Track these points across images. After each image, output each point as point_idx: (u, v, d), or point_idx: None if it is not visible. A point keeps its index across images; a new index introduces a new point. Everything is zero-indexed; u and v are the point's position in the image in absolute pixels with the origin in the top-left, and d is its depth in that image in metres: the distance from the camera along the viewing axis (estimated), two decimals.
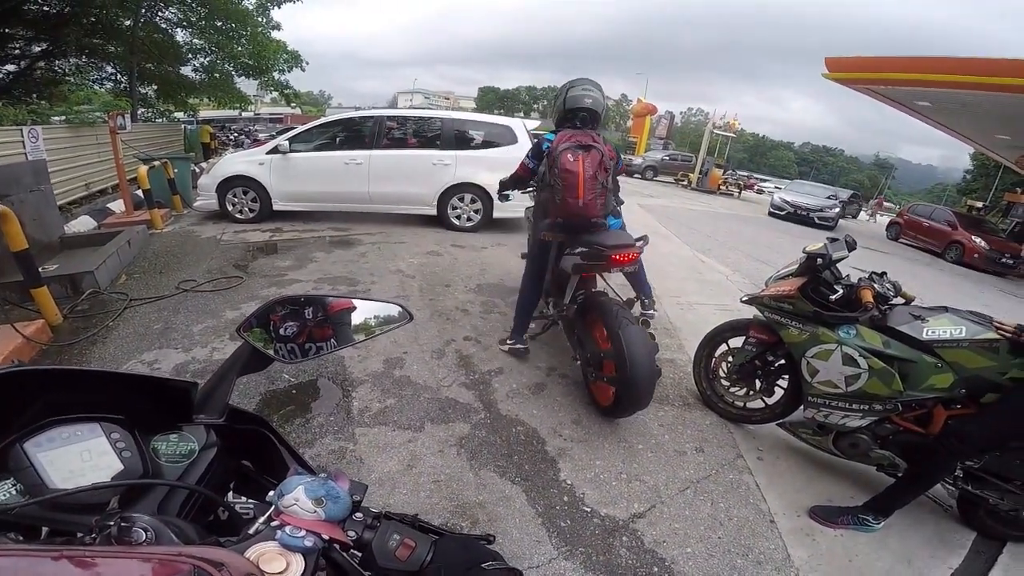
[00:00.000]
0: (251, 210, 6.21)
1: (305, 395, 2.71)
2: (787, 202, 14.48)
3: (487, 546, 0.67)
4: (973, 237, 11.99)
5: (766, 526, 2.15)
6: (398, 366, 3.07)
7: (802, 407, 2.42)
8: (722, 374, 2.88)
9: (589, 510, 2.12)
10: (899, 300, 2.35)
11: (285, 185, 6.13)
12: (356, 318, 0.96)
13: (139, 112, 13.22)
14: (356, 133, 6.43)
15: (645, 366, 2.37)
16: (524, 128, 6.61)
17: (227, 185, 6.10)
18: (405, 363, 3.11)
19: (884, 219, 19.68)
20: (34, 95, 12.16)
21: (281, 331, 0.88)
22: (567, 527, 2.02)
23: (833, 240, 2.39)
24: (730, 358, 2.84)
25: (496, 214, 6.48)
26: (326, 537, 0.56)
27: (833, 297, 2.31)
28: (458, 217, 6.52)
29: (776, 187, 18.42)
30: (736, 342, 2.83)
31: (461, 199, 6.44)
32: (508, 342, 3.29)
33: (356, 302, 0.97)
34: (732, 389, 2.85)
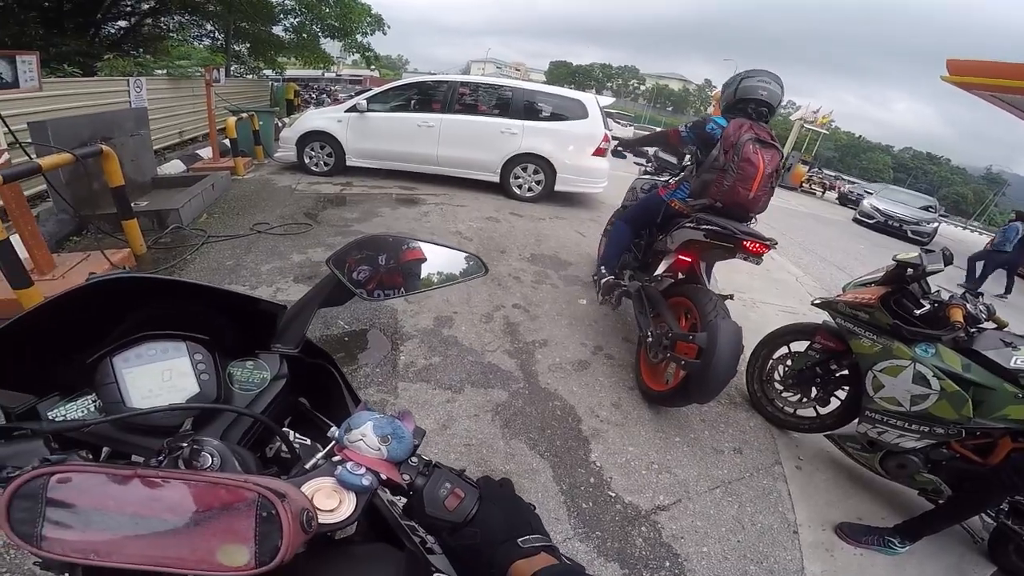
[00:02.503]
0: (326, 164, 6.48)
1: (356, 344, 2.84)
2: (878, 210, 13.20)
3: (531, 511, 0.64)
4: None
5: (788, 536, 2.08)
6: (447, 325, 3.14)
7: (856, 421, 2.27)
8: (777, 377, 2.75)
9: (613, 495, 2.10)
10: (990, 324, 2.15)
11: (359, 142, 6.35)
12: (430, 266, 0.93)
13: (232, 68, 13.98)
14: (430, 97, 6.52)
15: (729, 362, 2.27)
16: (596, 103, 6.43)
17: (306, 139, 6.39)
18: (454, 323, 3.18)
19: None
20: (140, 49, 13.10)
21: (354, 274, 0.88)
22: (588, 509, 2.01)
23: (928, 251, 2.17)
24: (789, 362, 2.70)
25: (558, 187, 6.43)
26: (384, 476, 0.56)
27: (918, 312, 2.13)
28: (519, 186, 6.51)
29: (866, 191, 16.80)
30: (798, 346, 2.68)
31: (524, 169, 6.42)
32: (594, 277, 3.30)
33: (435, 248, 0.94)
34: (785, 394, 2.72)
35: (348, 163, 6.43)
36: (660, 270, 2.84)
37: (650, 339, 2.70)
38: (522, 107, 6.38)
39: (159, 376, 0.67)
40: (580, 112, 6.31)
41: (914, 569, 2.04)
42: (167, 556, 0.39)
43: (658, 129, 3.19)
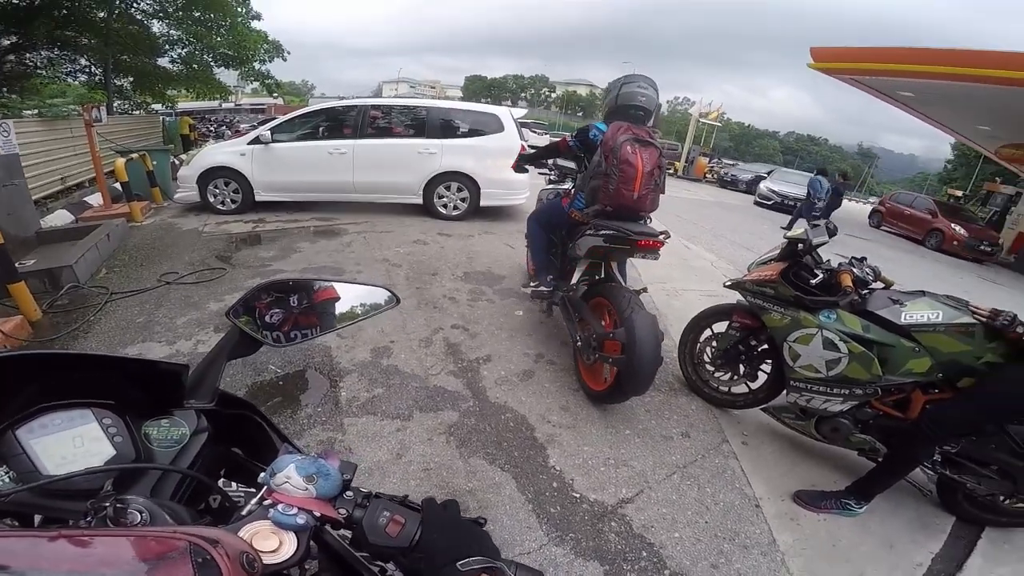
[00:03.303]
0: (233, 201, 6.12)
1: (293, 386, 2.70)
2: (774, 191, 14.55)
3: (479, 528, 0.65)
4: (953, 225, 12.24)
5: (752, 511, 2.18)
6: (386, 355, 3.06)
7: (785, 392, 2.44)
8: (707, 359, 2.91)
9: (578, 496, 2.14)
10: (879, 285, 2.38)
11: (268, 175, 6.04)
12: (343, 303, 0.95)
13: (115, 104, 12.92)
14: (340, 122, 6.34)
15: (651, 351, 2.38)
16: (511, 116, 6.59)
17: (208, 176, 5.99)
18: (393, 352, 3.11)
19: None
20: (3, 89, 11.77)
21: (267, 318, 0.88)
22: (557, 513, 2.04)
23: (814, 226, 2.41)
24: (714, 343, 2.87)
25: (483, 202, 6.47)
26: (318, 514, 0.56)
27: (813, 282, 2.32)
28: (444, 206, 6.49)
29: (760, 174, 18.45)
30: (720, 327, 2.85)
31: (448, 188, 6.42)
32: (531, 284, 3.29)
33: (343, 287, 0.96)
34: (716, 374, 2.88)
35: (257, 198, 6.10)
36: (575, 278, 2.96)
37: (579, 343, 2.80)
38: (438, 125, 6.38)
39: (71, 443, 0.66)
40: (496, 126, 6.42)
41: (878, 527, 2.16)
42: None
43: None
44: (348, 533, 0.62)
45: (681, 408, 2.85)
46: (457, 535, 0.62)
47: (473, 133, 6.43)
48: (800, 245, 2.38)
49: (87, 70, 13.85)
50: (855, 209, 22.19)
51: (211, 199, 6.06)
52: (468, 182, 6.37)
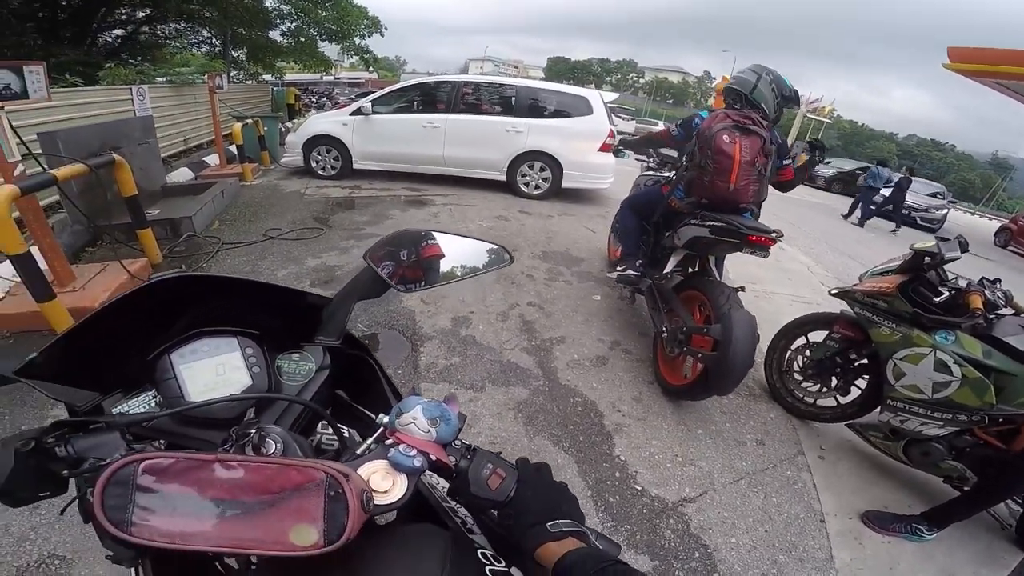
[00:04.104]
0: (333, 168, 6.52)
1: (375, 346, 2.86)
2: (886, 198, 13.19)
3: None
4: None
5: (815, 525, 2.09)
6: (465, 325, 3.16)
7: (877, 409, 2.29)
8: (796, 368, 2.76)
9: (640, 489, 2.12)
10: (1009, 310, 2.15)
11: (366, 145, 6.38)
12: (455, 258, 0.95)
13: (231, 74, 14.02)
14: (434, 97, 6.52)
15: (746, 351, 2.27)
16: (601, 99, 6.43)
17: (312, 143, 6.43)
18: (471, 323, 3.20)
19: None
20: (139, 57, 13.12)
21: (379, 269, 0.88)
22: (615, 503, 2.03)
23: (945, 239, 2.18)
24: (807, 352, 2.70)
25: (565, 184, 6.43)
26: (433, 458, 0.58)
27: (937, 299, 2.13)
28: (527, 184, 6.53)
29: (845, 171, 16.58)
30: (816, 336, 2.69)
31: (531, 167, 6.43)
32: (618, 268, 3.23)
33: (459, 240, 0.96)
34: (804, 384, 2.72)
35: (355, 166, 6.47)
36: (669, 267, 2.86)
37: (665, 334, 2.72)
38: (526, 105, 6.39)
39: (213, 371, 0.70)
40: (585, 108, 6.30)
41: (943, 556, 2.04)
42: (245, 539, 0.41)
43: (656, 128, 3.19)
44: (436, 482, 0.64)
45: (759, 414, 2.72)
46: (549, 496, 0.63)
47: (560, 114, 6.36)
48: (927, 259, 2.16)
49: (208, 41, 15.18)
50: (979, 224, 19.63)
51: (313, 164, 6.49)
52: (551, 163, 6.34)
